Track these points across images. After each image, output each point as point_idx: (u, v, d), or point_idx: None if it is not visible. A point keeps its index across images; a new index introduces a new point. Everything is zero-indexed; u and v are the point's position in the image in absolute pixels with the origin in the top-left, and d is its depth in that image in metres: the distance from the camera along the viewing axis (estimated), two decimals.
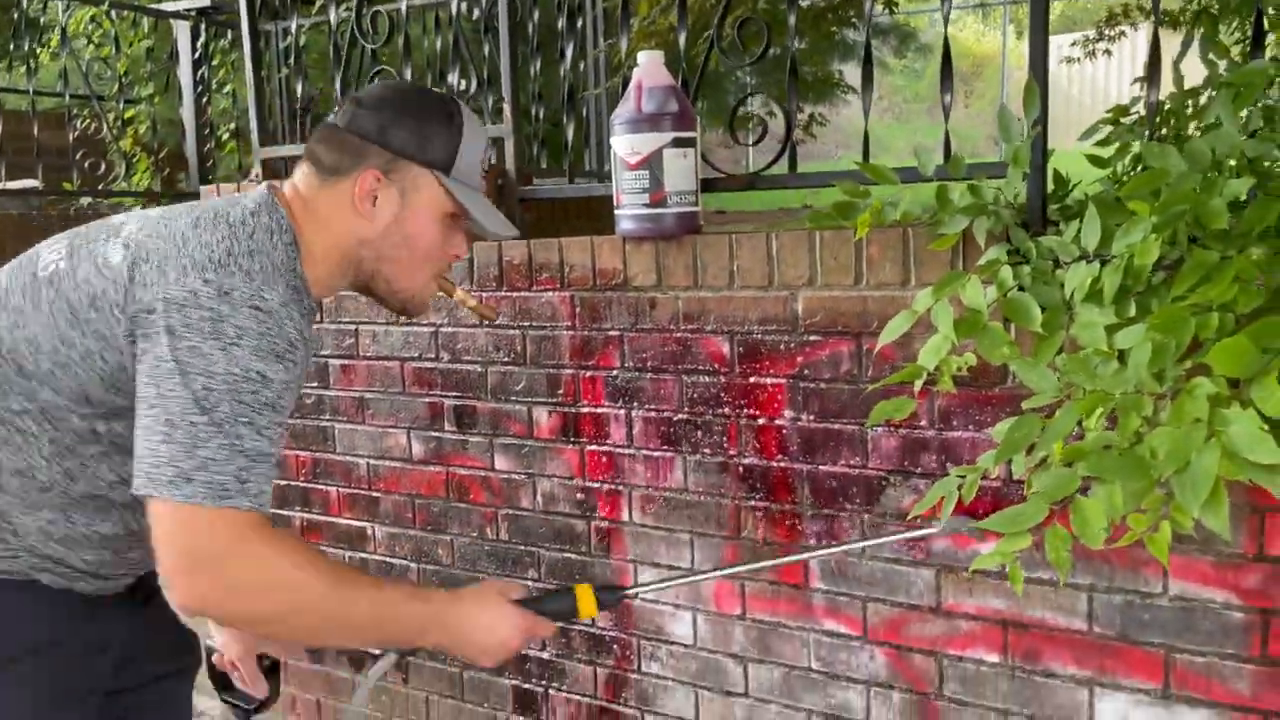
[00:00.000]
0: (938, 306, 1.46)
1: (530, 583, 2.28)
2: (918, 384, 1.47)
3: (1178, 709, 1.63)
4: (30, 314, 1.30)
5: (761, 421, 1.94)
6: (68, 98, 4.65)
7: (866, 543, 1.74)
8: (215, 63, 4.91)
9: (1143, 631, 1.64)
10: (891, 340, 1.53)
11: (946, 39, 1.86)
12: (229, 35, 4.86)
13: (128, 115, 4.88)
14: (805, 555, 1.85)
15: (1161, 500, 1.20)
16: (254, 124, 2.75)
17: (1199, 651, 1.60)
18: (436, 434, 2.37)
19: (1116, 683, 1.67)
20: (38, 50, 4.69)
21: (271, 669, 1.67)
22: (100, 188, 4.81)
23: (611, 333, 2.08)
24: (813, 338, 1.86)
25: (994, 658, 1.77)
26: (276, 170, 2.78)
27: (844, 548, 1.85)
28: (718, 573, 1.96)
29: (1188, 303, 1.25)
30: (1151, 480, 1.12)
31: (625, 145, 1.94)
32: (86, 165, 4.67)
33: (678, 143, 1.93)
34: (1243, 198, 1.30)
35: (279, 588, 1.21)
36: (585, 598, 1.47)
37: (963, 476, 1.51)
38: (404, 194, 1.39)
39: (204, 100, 3.87)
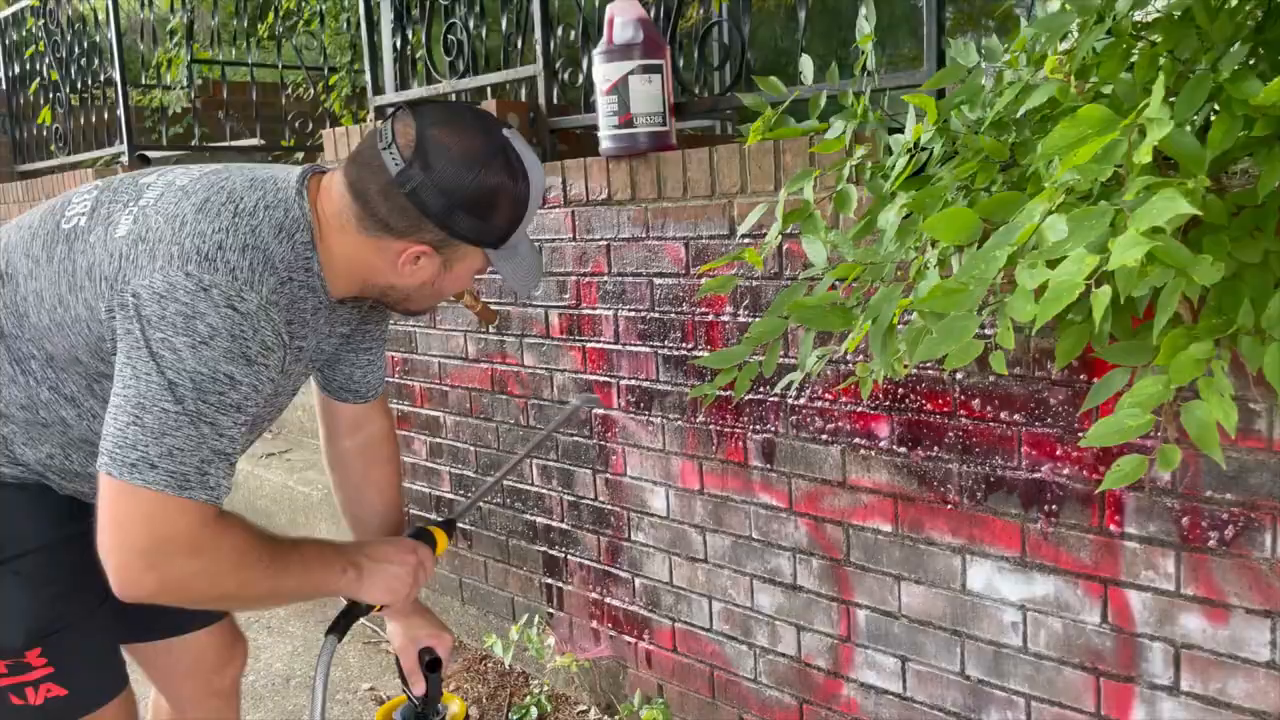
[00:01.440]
0: (779, 200, 1.67)
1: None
2: (759, 265, 1.68)
3: (1033, 575, 1.75)
4: (44, 266, 1.30)
5: (710, 318, 2.19)
6: (280, 68, 5.45)
7: (541, 434, 1.98)
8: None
9: (1004, 504, 1.77)
10: (749, 230, 1.74)
11: None
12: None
13: (331, 81, 5.63)
14: (515, 460, 1.99)
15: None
16: (367, 76, 3.25)
17: (1049, 522, 1.72)
18: (482, 335, 2.78)
19: (984, 551, 1.81)
20: (257, 28, 5.51)
21: (431, 665, 1.65)
22: (309, 144, 5.60)
23: (600, 243, 2.39)
24: (744, 239, 2.08)
25: (887, 528, 1.95)
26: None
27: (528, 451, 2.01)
28: (494, 478, 2.00)
29: (944, 183, 1.41)
30: (852, 324, 1.30)
31: (600, 74, 2.24)
32: (297, 125, 5.46)
33: (644, 69, 2.20)
34: (1005, 92, 1.42)
35: (223, 576, 1.23)
36: (440, 536, 1.63)
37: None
38: (448, 263, 1.37)
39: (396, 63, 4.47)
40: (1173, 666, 1.60)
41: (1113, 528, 1.64)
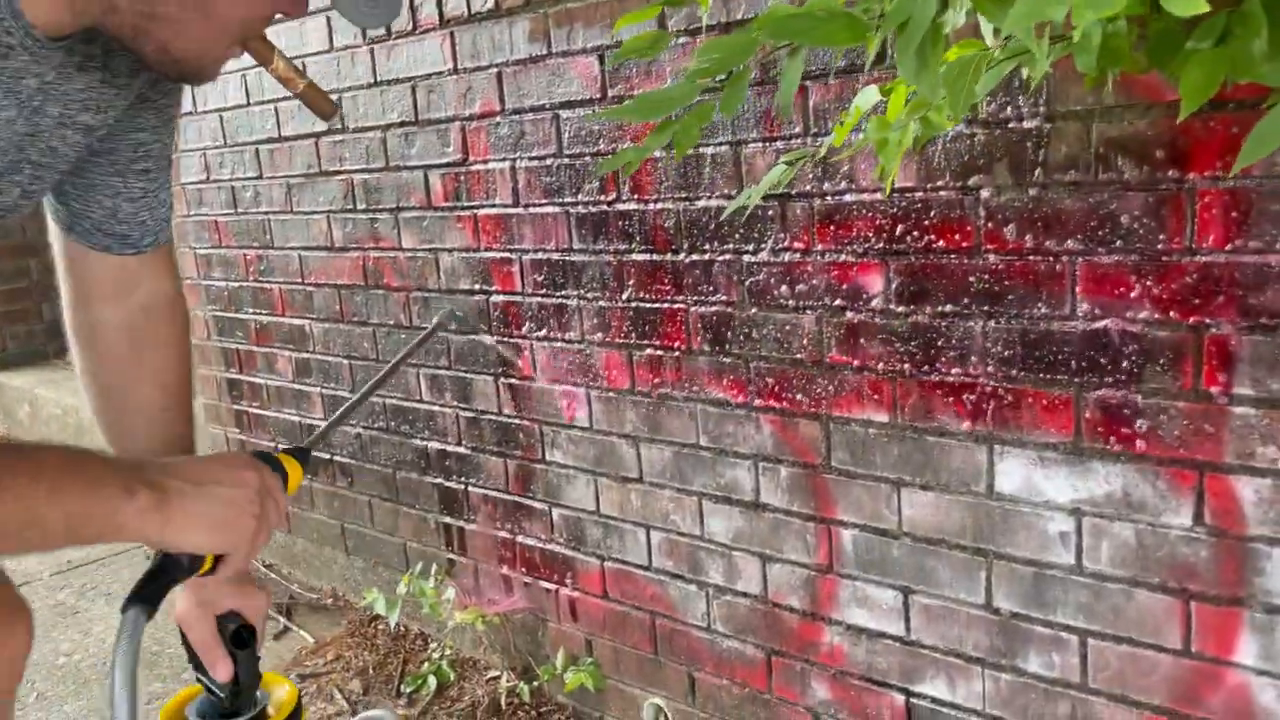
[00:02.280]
0: None
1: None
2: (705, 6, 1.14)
3: (1091, 467, 1.26)
4: None
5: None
6: None
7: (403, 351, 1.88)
8: None
9: (1050, 370, 1.28)
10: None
11: None
12: None
13: None
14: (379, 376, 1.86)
15: (917, 105, 0.85)
16: None
17: (1117, 389, 1.23)
18: (349, 215, 2.20)
19: (1020, 438, 1.32)
20: None
21: (239, 639, 1.13)
22: None
23: (489, 71, 1.83)
24: (682, 40, 1.54)
25: (882, 418, 1.45)
26: None
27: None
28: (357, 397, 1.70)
29: None
30: (864, 39, 0.78)
31: None
32: None
33: None
34: None
35: None
36: (291, 465, 1.08)
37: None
38: None
39: None
40: None
41: (1214, 390, 1.15)
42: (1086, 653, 1.31)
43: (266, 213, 2.41)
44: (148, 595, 0.96)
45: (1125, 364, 1.21)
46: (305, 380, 2.46)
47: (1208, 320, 1.14)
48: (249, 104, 2.37)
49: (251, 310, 2.56)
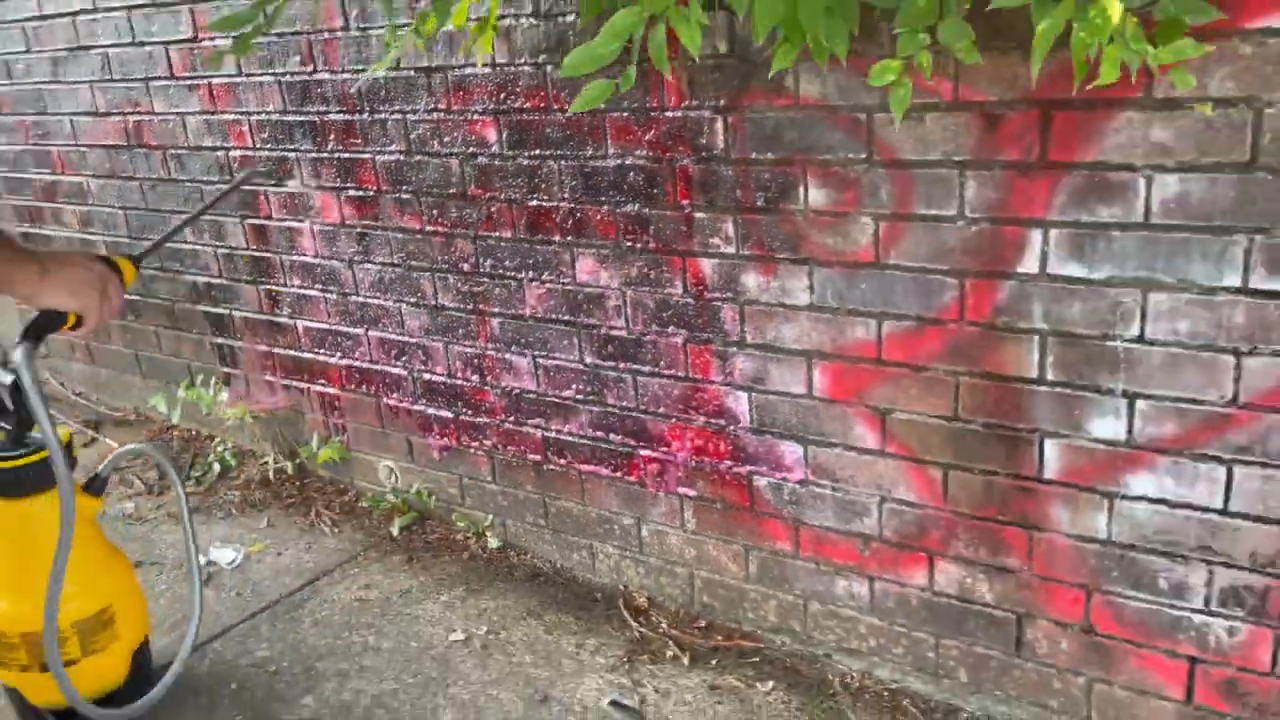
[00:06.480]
0: None
1: None
2: None
3: (628, 258, 1.86)
4: None
5: (333, 31, 2.10)
6: None
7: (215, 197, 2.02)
8: None
9: (599, 195, 1.85)
10: None
11: None
12: None
13: None
14: (199, 209, 1.91)
15: None
16: None
17: (635, 205, 1.81)
18: (109, 83, 2.56)
19: (589, 242, 1.90)
20: None
21: (33, 332, 1.49)
22: None
23: None
24: None
25: (508, 234, 2.00)
26: None
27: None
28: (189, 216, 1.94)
29: None
30: None
31: None
32: None
33: None
34: None
35: None
36: (125, 266, 1.53)
37: None
38: None
39: None
40: (739, 322, 1.76)
41: (685, 202, 1.74)
42: (638, 387, 1.94)
43: (38, 83, 2.73)
44: (33, 333, 1.46)
45: (638, 188, 1.79)
46: (90, 230, 2.85)
47: (676, 155, 1.72)
48: None
49: (35, 170, 2.90)
